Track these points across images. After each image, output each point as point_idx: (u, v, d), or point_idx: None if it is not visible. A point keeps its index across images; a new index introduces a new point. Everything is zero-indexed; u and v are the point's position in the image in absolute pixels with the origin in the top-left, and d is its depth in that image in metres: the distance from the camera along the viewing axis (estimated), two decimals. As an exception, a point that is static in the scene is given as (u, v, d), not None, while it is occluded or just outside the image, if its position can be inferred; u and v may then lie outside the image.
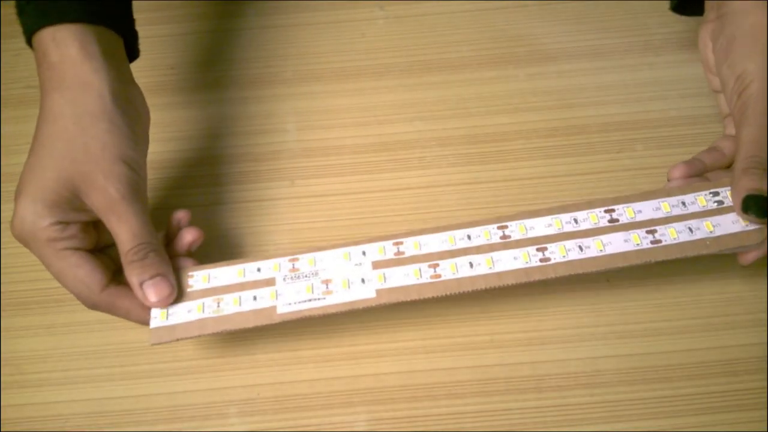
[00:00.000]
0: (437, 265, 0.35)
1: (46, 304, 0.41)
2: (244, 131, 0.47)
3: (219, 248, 0.42)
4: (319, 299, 0.34)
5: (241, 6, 0.53)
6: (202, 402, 0.37)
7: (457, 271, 0.35)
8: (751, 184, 0.34)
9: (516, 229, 0.36)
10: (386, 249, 0.36)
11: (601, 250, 0.35)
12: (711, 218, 0.35)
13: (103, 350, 0.39)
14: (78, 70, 0.34)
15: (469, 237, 0.36)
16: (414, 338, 0.38)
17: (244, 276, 0.35)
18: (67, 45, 0.34)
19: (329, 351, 0.38)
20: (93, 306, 0.35)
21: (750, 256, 0.36)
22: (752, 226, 0.35)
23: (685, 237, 0.35)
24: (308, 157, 0.46)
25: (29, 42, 0.36)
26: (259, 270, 0.35)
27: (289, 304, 0.34)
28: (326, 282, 0.35)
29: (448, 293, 0.34)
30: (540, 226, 0.36)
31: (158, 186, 0.45)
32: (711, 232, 0.35)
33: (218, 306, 0.34)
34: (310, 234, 0.42)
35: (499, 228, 0.36)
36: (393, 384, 0.37)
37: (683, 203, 0.36)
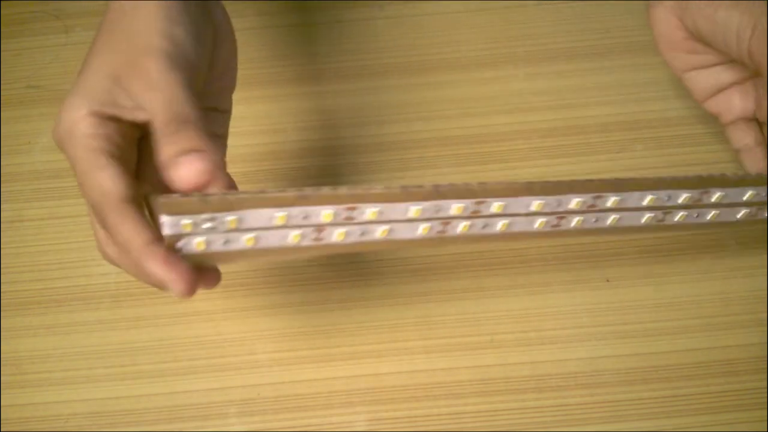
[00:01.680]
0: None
1: (46, 304, 0.41)
2: (245, 131, 0.47)
3: (219, 248, 0.42)
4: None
5: (241, 6, 0.53)
6: (202, 402, 0.37)
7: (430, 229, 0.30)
8: None
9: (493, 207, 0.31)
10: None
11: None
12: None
13: (103, 350, 0.39)
14: None
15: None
16: (414, 338, 0.38)
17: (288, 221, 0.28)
18: None
19: (329, 351, 0.38)
20: (102, 222, 0.29)
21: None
22: None
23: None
24: (308, 157, 0.46)
25: None
26: (305, 217, 0.28)
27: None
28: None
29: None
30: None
31: (158, 186, 0.45)
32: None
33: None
34: (310, 234, 0.42)
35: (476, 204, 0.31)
36: (393, 384, 0.37)
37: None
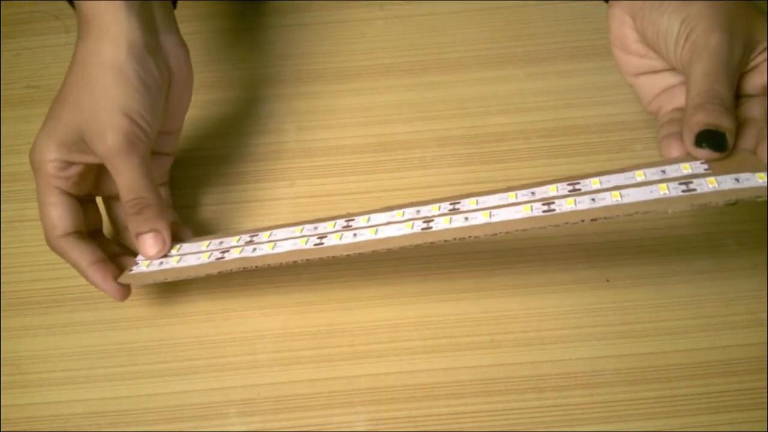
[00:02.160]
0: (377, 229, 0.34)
1: (46, 304, 0.41)
2: (245, 131, 0.47)
3: (219, 248, 0.42)
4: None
5: (241, 6, 0.53)
6: (202, 402, 0.37)
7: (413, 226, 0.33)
8: (706, 119, 0.32)
9: (467, 204, 0.33)
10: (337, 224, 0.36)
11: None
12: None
13: (103, 350, 0.39)
14: (100, 20, 0.36)
15: (418, 211, 0.34)
16: (414, 338, 0.38)
17: (208, 247, 0.38)
18: None
19: (329, 351, 0.38)
20: (50, 246, 0.37)
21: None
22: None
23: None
24: (308, 157, 0.46)
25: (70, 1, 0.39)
26: (221, 243, 0.38)
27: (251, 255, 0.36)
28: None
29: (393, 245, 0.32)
30: (493, 200, 0.33)
31: (158, 186, 0.45)
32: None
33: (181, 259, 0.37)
34: (310, 234, 0.42)
35: (451, 204, 0.33)
36: (393, 384, 0.37)
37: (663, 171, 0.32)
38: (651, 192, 0.30)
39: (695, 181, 0.30)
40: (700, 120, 0.32)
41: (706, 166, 0.31)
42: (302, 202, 0.44)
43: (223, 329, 0.39)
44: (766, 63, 0.34)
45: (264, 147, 0.46)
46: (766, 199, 0.29)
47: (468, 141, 0.46)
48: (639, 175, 0.32)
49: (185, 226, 0.41)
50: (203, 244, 0.38)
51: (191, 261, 0.37)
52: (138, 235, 0.37)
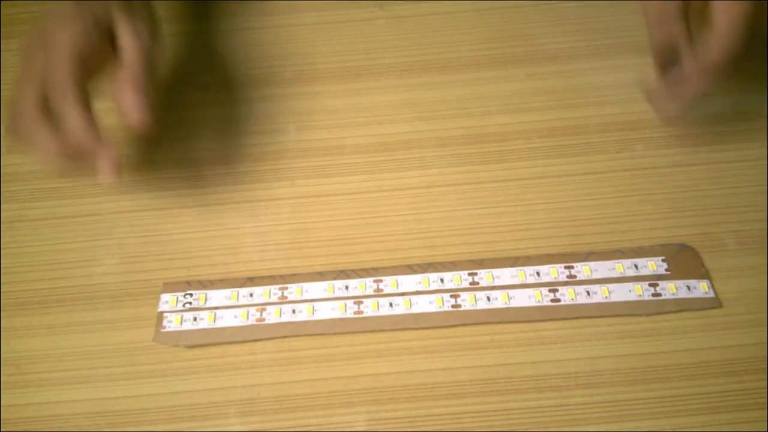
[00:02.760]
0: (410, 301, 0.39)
1: (46, 304, 0.41)
2: (245, 131, 0.47)
3: (220, 248, 0.42)
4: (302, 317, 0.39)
5: (241, 6, 0.53)
6: (202, 402, 0.37)
7: (442, 304, 0.39)
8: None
9: (484, 277, 0.40)
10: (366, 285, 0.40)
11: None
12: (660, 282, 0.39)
13: (103, 350, 0.39)
14: None
15: (442, 280, 0.40)
16: (414, 338, 0.38)
17: (238, 300, 0.39)
18: None
19: (329, 351, 0.38)
20: (59, 101, 0.37)
21: None
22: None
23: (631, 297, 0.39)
24: (308, 157, 0.46)
25: None
26: (251, 295, 0.39)
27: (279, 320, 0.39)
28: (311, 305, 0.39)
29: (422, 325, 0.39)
30: (506, 275, 0.40)
31: (159, 186, 0.45)
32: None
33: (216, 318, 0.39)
34: (311, 234, 0.42)
35: (469, 274, 0.40)
36: (393, 384, 0.37)
37: (635, 266, 0.39)
38: (629, 292, 0.39)
39: (660, 284, 0.39)
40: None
41: (666, 266, 0.39)
42: (302, 202, 0.44)
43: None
44: None
45: (264, 147, 0.46)
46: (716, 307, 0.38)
47: (468, 141, 0.46)
48: (619, 268, 0.39)
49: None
50: (232, 296, 0.39)
51: (229, 319, 0.39)
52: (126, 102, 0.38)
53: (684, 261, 0.39)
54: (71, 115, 0.37)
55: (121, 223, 0.44)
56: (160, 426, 0.37)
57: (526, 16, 0.52)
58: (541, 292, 0.39)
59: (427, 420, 0.36)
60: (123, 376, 0.38)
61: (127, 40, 0.40)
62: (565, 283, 0.39)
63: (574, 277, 0.39)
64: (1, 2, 0.55)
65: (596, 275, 0.39)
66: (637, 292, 0.39)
